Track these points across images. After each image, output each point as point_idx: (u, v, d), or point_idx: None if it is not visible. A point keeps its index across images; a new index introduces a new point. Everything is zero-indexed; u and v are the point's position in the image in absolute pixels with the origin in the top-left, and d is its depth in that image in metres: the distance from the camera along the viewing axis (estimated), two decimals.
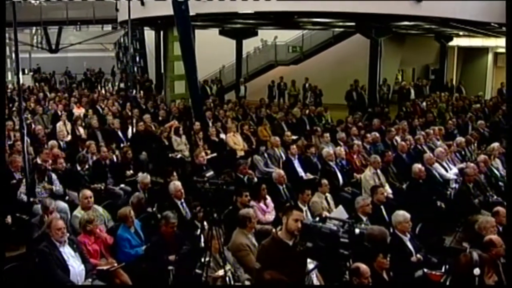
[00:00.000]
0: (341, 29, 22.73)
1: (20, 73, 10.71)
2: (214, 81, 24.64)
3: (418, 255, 6.54)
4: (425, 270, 6.58)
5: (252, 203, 7.95)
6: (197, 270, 5.05)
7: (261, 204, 8.02)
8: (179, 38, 13.45)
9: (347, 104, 20.42)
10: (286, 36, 25.50)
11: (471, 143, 12.66)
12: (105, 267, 6.59)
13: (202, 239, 5.35)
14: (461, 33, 23.56)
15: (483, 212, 8.68)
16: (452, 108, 18.36)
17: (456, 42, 27.10)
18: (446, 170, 10.68)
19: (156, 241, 6.68)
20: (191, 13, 13.42)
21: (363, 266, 4.79)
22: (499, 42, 26.80)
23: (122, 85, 25.51)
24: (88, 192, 7.82)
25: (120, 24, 22.32)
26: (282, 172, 9.07)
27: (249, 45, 25.99)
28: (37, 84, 29.61)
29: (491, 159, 10.87)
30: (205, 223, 5.44)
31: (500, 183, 10.51)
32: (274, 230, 5.05)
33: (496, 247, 5.84)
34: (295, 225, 4.53)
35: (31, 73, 34.51)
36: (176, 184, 8.03)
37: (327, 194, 8.43)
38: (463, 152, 12.22)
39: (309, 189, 7.99)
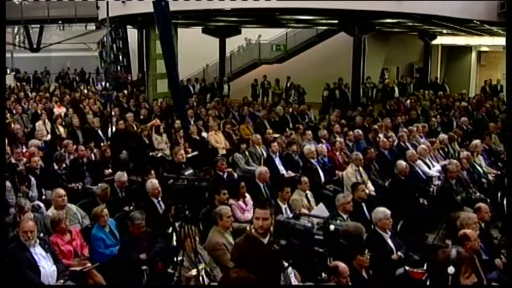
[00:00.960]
0: (325, 28, 22.61)
1: None
2: (197, 80, 24.44)
3: (399, 253, 6.41)
4: (407, 268, 6.47)
5: (231, 201, 7.79)
6: (169, 270, 4.86)
7: (240, 202, 7.85)
8: (159, 36, 13.24)
9: (323, 102, 20.38)
10: (270, 34, 25.35)
11: (454, 140, 12.59)
12: (78, 268, 6.41)
13: (175, 238, 5.15)
14: (444, 31, 23.58)
15: (466, 209, 8.58)
16: (435, 106, 18.33)
17: (440, 40, 27.12)
18: (429, 167, 10.61)
19: (126, 241, 6.50)
20: (172, 9, 13.20)
21: (342, 265, 4.64)
22: (483, 41, 26.93)
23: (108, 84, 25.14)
24: (61, 191, 7.62)
25: (101, 22, 21.97)
26: (265, 169, 8.91)
27: (233, 43, 25.80)
28: (18, 83, 29.25)
29: (474, 156, 10.82)
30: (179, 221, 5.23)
31: (483, 180, 10.48)
32: (248, 228, 4.89)
33: (470, 241, 5.73)
34: (256, 223, 4.45)
35: (13, 73, 34.03)
36: (153, 182, 7.85)
37: (308, 192, 8.28)
38: (446, 149, 12.15)
39: (289, 187, 7.83)
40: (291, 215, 3.94)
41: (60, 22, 29.14)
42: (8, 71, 35.51)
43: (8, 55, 37.35)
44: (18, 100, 19.59)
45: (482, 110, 16.68)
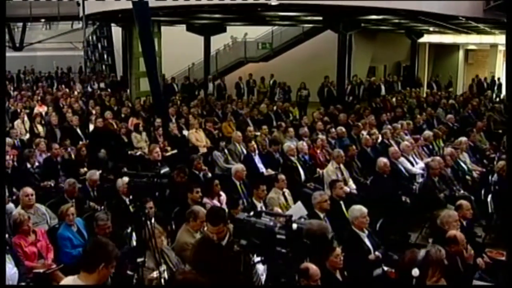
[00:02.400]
0: (311, 25, 22.38)
1: None
2: (184, 79, 24.10)
3: (377, 253, 6.14)
4: (385, 268, 6.22)
5: (205, 199, 7.52)
6: (128, 272, 4.57)
7: (214, 201, 7.56)
8: (138, 33, 12.94)
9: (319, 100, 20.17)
10: (256, 32, 25.12)
11: (439, 137, 12.37)
12: (41, 270, 6.12)
13: (134, 238, 4.86)
14: (431, 28, 23.44)
15: (449, 207, 8.33)
16: (421, 103, 18.14)
17: (428, 39, 27.00)
18: (412, 164, 10.35)
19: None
20: (152, 6, 12.95)
21: (313, 268, 4.36)
22: (470, 39, 26.84)
23: (102, 85, 24.75)
24: (28, 190, 7.33)
25: (80, 19, 21.62)
26: (241, 167, 8.63)
27: (219, 42, 25.54)
28: None
29: (458, 153, 10.60)
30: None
31: (467, 177, 10.28)
32: (205, 228, 4.64)
33: (457, 245, 5.49)
34: (211, 235, 4.29)
35: None
36: (124, 180, 7.46)
37: (285, 190, 7.99)
38: (430, 146, 11.93)
39: (264, 185, 7.56)
40: (251, 213, 3.62)
41: (43, 20, 28.63)
42: None
43: None
44: None
45: (469, 108, 16.50)
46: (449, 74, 26.91)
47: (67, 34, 34.09)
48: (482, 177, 10.18)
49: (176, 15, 18.82)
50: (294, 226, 3.45)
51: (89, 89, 23.12)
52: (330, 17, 17.51)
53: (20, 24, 31.01)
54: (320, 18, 18.25)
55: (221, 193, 7.80)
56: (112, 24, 25.99)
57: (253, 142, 10.47)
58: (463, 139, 11.33)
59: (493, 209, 8.54)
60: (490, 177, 9.47)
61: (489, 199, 8.64)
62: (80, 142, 12.33)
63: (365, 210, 6.19)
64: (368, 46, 24.60)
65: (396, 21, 19.54)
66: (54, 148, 10.33)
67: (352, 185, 9.48)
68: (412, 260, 3.14)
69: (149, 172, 4.48)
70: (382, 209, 8.39)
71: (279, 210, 7.63)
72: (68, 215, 6.69)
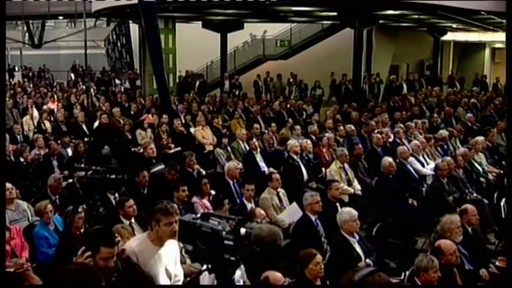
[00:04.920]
0: (330, 22, 21.81)
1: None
2: (199, 76, 23.77)
3: (368, 260, 5.61)
4: None
5: (194, 199, 7.14)
6: None
7: (204, 201, 7.14)
8: (144, 28, 12.68)
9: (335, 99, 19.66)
10: (275, 30, 24.61)
11: (455, 137, 11.77)
12: (12, 269, 5.78)
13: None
14: (454, 25, 22.63)
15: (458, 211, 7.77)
16: (442, 102, 17.45)
17: (452, 36, 26.26)
18: (423, 165, 9.77)
19: (64, 240, 5.84)
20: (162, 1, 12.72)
21: (274, 276, 3.90)
22: (497, 37, 25.94)
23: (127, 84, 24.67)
24: (8, 185, 6.99)
25: (94, 15, 21.52)
26: (233, 165, 8.20)
27: (238, 39, 25.13)
28: (21, 80, 29.11)
29: (473, 153, 9.98)
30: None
31: (482, 179, 9.65)
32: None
33: (445, 255, 4.97)
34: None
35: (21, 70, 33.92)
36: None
37: (280, 190, 7.51)
38: (445, 147, 11.33)
39: (252, 184, 7.10)
40: (198, 215, 3.19)
41: (61, 17, 28.70)
42: (17, 68, 35.65)
43: (17, 52, 37.47)
44: (14, 94, 19.45)
45: (491, 107, 15.79)
46: (479, 73, 25.98)
47: (90, 32, 34.23)
48: (498, 180, 9.56)
49: (188, 10, 18.46)
50: (243, 230, 3.02)
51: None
52: (345, 12, 16.91)
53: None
54: (334, 13, 17.66)
55: (212, 192, 7.39)
56: (130, 21, 25.79)
57: (254, 140, 10.01)
58: (480, 138, 10.70)
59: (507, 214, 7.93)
60: (505, 180, 8.84)
61: (502, 203, 8.04)
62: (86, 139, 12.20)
63: (355, 213, 5.67)
64: (390, 44, 23.91)
65: (416, 16, 18.83)
66: (52, 144, 10.10)
67: (357, 185, 9.00)
68: (348, 282, 2.61)
69: (102, 168, 4.08)
70: (387, 212, 7.96)
71: (273, 212, 7.19)
72: (47, 213, 6.35)
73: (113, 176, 4.04)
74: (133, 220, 6.06)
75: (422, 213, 8.17)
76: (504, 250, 7.34)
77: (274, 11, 18.45)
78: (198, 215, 3.20)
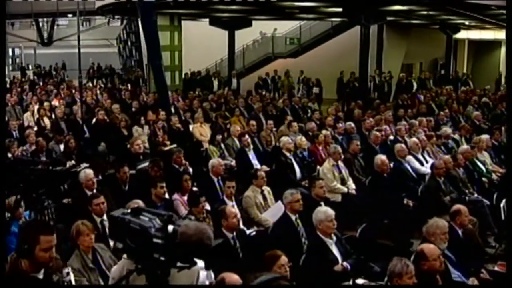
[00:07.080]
0: (339, 19, 21.43)
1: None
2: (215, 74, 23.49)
3: (345, 263, 5.28)
4: (362, 281, 5.37)
5: (175, 196, 6.87)
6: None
7: (185, 198, 6.87)
8: (141, 23, 12.52)
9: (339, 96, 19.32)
10: (284, 28, 24.34)
11: (461, 135, 11.36)
12: None
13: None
14: (467, 22, 22.10)
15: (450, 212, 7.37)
16: (452, 101, 17.00)
17: (466, 34, 25.71)
18: (422, 164, 9.38)
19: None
20: None
21: (231, 278, 3.61)
22: None
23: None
24: None
25: (97, 12, 21.42)
26: (217, 161, 7.92)
27: (248, 37, 24.88)
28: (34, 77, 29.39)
29: (476, 152, 9.55)
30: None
31: (484, 179, 9.22)
32: None
33: (428, 260, 4.61)
34: None
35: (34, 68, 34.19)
36: (87, 172, 6.87)
37: (265, 188, 7.19)
38: (450, 145, 10.92)
39: (233, 181, 6.81)
40: (128, 210, 2.91)
41: (70, 15, 28.75)
42: (30, 66, 35.93)
43: (31, 51, 37.76)
44: (21, 91, 19.51)
45: (502, 106, 15.31)
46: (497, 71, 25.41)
47: (104, 31, 34.30)
48: (500, 180, 9.14)
49: (192, 6, 18.22)
50: (170, 228, 2.73)
51: None
52: (351, 8, 16.54)
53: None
54: (339, 9, 17.29)
55: (194, 189, 7.11)
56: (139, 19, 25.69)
57: (246, 136, 9.70)
58: (484, 137, 10.27)
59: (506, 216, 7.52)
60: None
61: (502, 204, 7.63)
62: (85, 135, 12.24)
63: (331, 212, 5.31)
64: (401, 41, 23.48)
65: (425, 13, 18.37)
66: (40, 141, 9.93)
67: (351, 184, 8.64)
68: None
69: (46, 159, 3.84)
70: (380, 212, 7.63)
71: (256, 211, 6.89)
72: (16, 209, 6.12)
73: (55, 169, 3.78)
74: (105, 217, 5.80)
75: (417, 213, 7.80)
76: (503, 254, 6.99)
77: (278, 7, 18.15)
78: (129, 210, 2.92)
